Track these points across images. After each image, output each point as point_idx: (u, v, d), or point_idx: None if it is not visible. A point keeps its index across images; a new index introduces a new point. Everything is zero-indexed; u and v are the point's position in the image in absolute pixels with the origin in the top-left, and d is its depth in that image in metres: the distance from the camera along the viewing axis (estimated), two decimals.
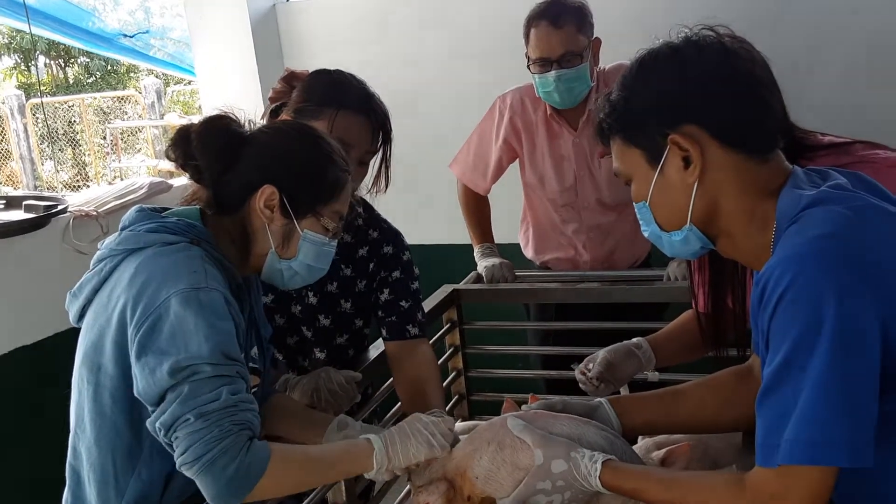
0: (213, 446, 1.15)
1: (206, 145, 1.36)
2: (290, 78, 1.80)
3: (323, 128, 1.65)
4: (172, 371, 1.17)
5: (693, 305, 1.64)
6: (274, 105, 1.81)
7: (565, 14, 2.33)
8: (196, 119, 1.47)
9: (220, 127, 1.39)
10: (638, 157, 1.19)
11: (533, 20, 2.37)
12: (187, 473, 1.17)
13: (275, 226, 1.38)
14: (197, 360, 1.18)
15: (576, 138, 2.50)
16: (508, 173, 2.68)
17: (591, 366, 1.76)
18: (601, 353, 1.77)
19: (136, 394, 1.22)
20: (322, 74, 1.79)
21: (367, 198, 1.89)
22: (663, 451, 1.48)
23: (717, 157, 1.13)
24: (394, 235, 1.91)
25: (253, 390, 1.44)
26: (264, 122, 1.77)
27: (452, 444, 1.39)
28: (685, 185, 1.15)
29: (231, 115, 1.41)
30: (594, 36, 2.42)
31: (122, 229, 1.35)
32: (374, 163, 1.78)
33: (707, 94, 1.13)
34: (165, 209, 1.40)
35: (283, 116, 1.74)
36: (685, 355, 1.79)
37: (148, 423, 1.21)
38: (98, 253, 1.35)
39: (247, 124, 1.42)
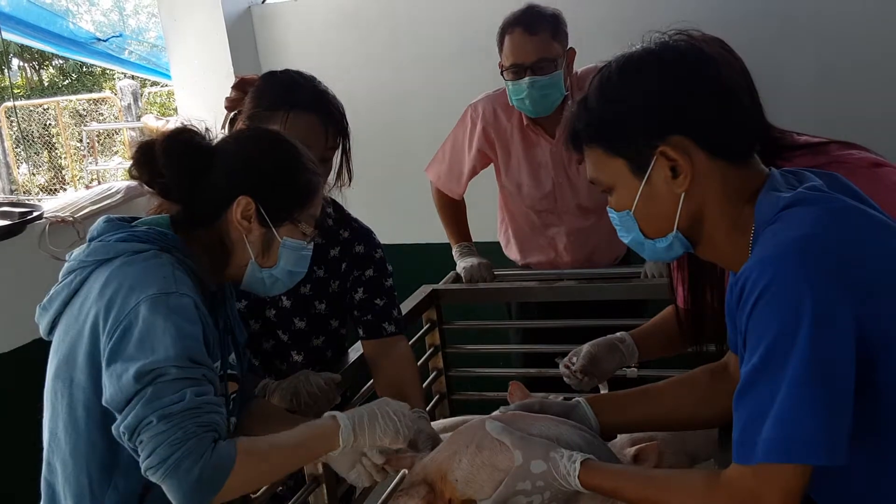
0: (177, 448, 1.14)
1: (173, 161, 1.34)
2: (242, 84, 1.79)
3: None
4: (138, 375, 1.16)
5: (674, 301, 1.66)
6: (232, 114, 1.80)
7: (540, 21, 2.32)
8: (167, 122, 1.45)
9: (185, 141, 1.36)
10: (621, 166, 1.17)
11: (507, 27, 2.36)
12: (153, 478, 1.15)
13: (253, 236, 1.37)
14: (163, 363, 1.17)
15: (553, 147, 2.48)
16: (485, 172, 2.68)
17: (574, 359, 1.78)
18: (585, 347, 1.79)
19: (104, 402, 1.20)
20: (271, 77, 1.78)
21: (339, 197, 1.88)
22: (634, 448, 1.49)
23: (704, 165, 1.13)
24: (365, 234, 1.91)
25: (232, 396, 1.44)
26: (224, 131, 1.76)
27: (433, 445, 1.39)
28: (672, 194, 1.14)
29: (193, 128, 1.39)
30: (569, 46, 2.41)
31: (91, 240, 1.34)
32: (335, 158, 1.77)
33: (693, 104, 1.12)
34: (135, 218, 1.39)
35: (239, 124, 1.73)
36: (667, 349, 1.81)
37: (113, 429, 1.19)
38: (67, 265, 1.34)
39: (206, 134, 1.40)
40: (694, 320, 1.52)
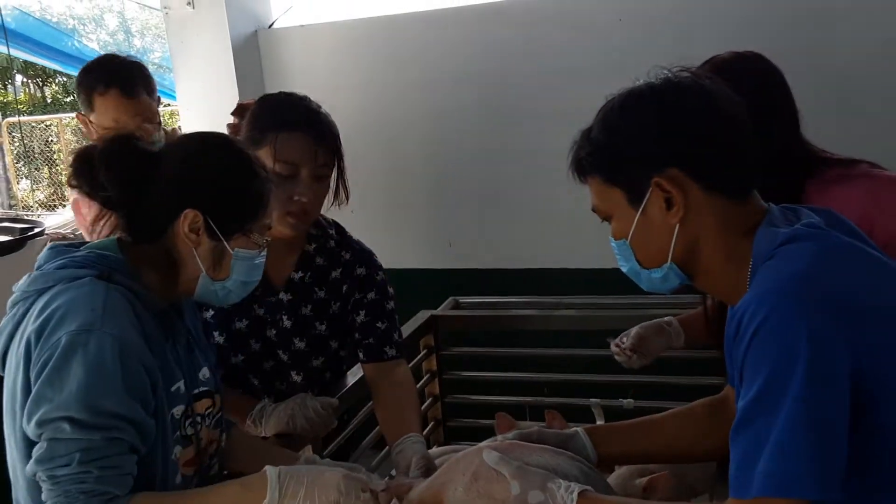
0: None
1: (113, 171, 1.27)
2: (241, 110, 1.82)
3: (268, 154, 1.65)
4: (39, 422, 1.14)
5: (702, 300, 1.70)
6: None
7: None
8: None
9: (126, 148, 1.29)
10: (619, 196, 1.19)
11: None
12: None
13: (203, 249, 1.30)
14: (63, 412, 1.13)
15: None
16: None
17: (625, 339, 1.88)
18: (634, 329, 1.90)
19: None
20: (264, 101, 1.80)
21: (340, 220, 1.89)
22: (645, 479, 1.49)
23: (698, 199, 1.14)
24: (367, 256, 1.91)
25: (209, 412, 1.41)
26: None
27: (428, 472, 1.38)
28: (667, 225, 1.16)
29: (135, 133, 1.33)
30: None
31: (37, 268, 1.29)
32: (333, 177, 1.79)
33: (689, 138, 1.14)
34: (84, 243, 1.33)
35: None
36: (712, 336, 1.83)
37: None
38: (12, 297, 1.28)
39: (158, 134, 1.35)
40: (720, 318, 1.54)
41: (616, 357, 1.88)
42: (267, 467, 1.24)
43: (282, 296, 1.81)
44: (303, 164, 1.69)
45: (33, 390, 1.16)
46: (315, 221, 1.85)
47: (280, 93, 1.81)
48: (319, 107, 1.78)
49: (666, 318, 1.91)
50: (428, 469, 1.53)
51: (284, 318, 1.83)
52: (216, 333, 1.80)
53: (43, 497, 1.15)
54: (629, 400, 1.95)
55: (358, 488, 1.23)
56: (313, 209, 1.75)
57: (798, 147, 1.63)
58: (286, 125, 1.69)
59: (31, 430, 1.16)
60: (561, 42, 3.01)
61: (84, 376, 1.14)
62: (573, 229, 2.92)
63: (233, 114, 1.83)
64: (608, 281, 2.46)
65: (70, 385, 1.14)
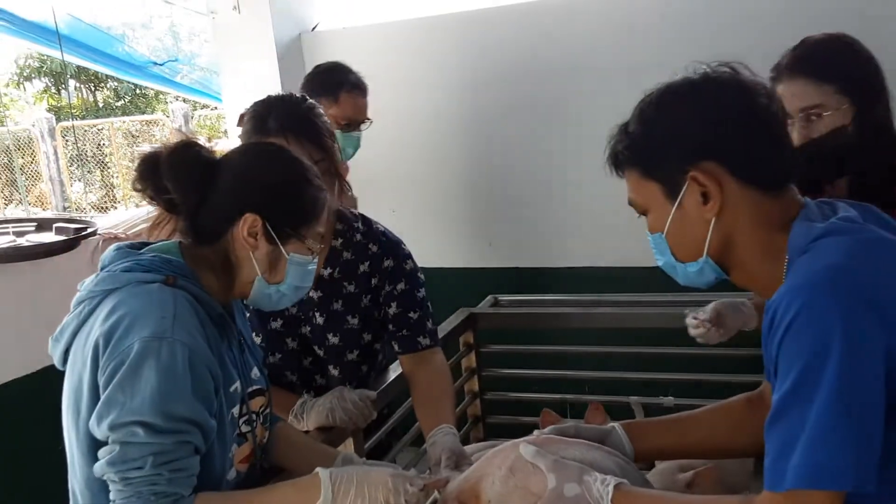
0: None
1: (179, 176, 1.32)
2: (241, 120, 1.85)
3: None
4: (112, 426, 1.18)
5: None
6: None
7: None
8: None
9: (192, 155, 1.34)
10: (655, 189, 1.20)
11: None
12: None
13: (260, 253, 1.35)
14: (137, 416, 1.17)
15: None
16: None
17: (701, 313, 1.87)
18: (712, 304, 1.89)
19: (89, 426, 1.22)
20: (251, 108, 1.80)
21: (378, 217, 1.91)
22: (690, 473, 1.49)
23: (735, 193, 1.15)
24: (394, 247, 1.92)
25: (262, 410, 1.46)
26: None
27: (457, 466, 1.40)
28: (703, 219, 1.17)
29: (198, 141, 1.38)
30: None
31: (102, 268, 1.33)
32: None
33: (726, 132, 1.15)
34: (145, 244, 1.38)
35: None
36: None
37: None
38: (77, 295, 1.32)
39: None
40: None
41: (692, 330, 1.86)
42: (318, 469, 1.30)
43: (312, 293, 1.84)
44: None
45: (104, 394, 1.20)
46: (340, 216, 1.88)
47: (268, 97, 1.81)
48: (302, 101, 1.79)
49: (741, 300, 1.89)
50: (457, 463, 1.56)
51: (317, 314, 1.87)
52: (253, 335, 1.83)
53: (112, 496, 1.19)
54: (669, 398, 1.93)
55: (406, 484, 1.28)
56: None
57: (891, 127, 1.65)
58: (264, 132, 1.71)
59: (100, 431, 1.20)
60: (602, 41, 3.01)
61: (157, 383, 1.19)
62: (611, 227, 2.92)
63: (238, 125, 1.87)
64: (648, 279, 2.48)
65: (143, 391, 1.18)
